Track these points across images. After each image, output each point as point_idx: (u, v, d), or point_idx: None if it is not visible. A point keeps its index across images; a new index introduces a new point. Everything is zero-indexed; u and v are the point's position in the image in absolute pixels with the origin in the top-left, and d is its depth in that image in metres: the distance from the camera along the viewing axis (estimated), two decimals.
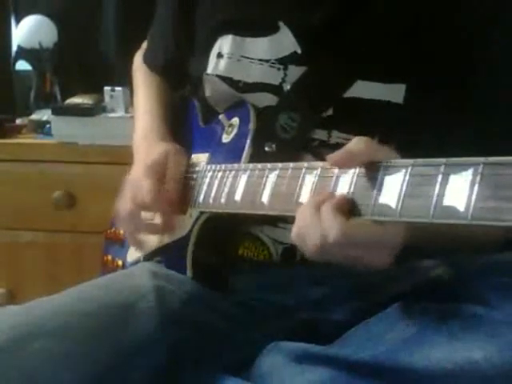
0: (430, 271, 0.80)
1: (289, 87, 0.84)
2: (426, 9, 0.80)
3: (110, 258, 1.09)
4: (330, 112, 0.83)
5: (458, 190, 0.51)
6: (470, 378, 0.59)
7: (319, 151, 0.80)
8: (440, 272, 0.80)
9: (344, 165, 0.63)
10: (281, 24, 0.84)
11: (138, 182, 0.89)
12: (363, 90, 0.80)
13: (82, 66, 1.88)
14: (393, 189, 0.58)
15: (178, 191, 0.89)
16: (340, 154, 0.63)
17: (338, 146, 0.79)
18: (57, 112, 1.61)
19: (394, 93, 0.79)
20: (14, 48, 1.89)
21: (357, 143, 0.63)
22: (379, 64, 0.80)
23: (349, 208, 0.61)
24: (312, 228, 0.62)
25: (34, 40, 1.79)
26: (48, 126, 1.65)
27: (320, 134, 0.83)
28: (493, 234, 0.76)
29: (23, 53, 1.83)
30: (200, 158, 0.93)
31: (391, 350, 0.65)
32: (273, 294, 0.87)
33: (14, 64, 1.90)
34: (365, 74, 0.80)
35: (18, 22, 1.89)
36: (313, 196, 0.65)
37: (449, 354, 0.61)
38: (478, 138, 0.74)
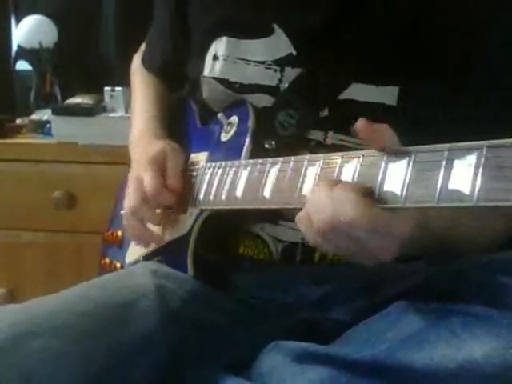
0: (430, 270, 0.80)
1: (286, 85, 0.84)
2: (423, 11, 0.80)
3: (107, 260, 1.09)
4: (325, 113, 0.83)
5: (463, 174, 0.52)
6: (470, 377, 0.59)
7: (315, 152, 0.80)
8: (440, 271, 0.80)
9: (368, 136, 0.62)
10: (275, 26, 0.85)
11: (138, 178, 0.89)
12: (358, 92, 0.81)
13: (82, 66, 1.88)
14: (397, 176, 0.58)
15: (180, 182, 0.89)
16: (371, 126, 0.62)
17: (333, 146, 0.80)
18: (57, 112, 1.61)
19: (387, 95, 0.80)
20: (14, 48, 1.89)
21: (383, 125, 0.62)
22: (373, 66, 0.81)
23: (363, 189, 0.60)
24: (322, 206, 0.61)
25: (34, 40, 1.79)
26: (48, 125, 1.65)
27: (316, 135, 0.84)
28: (494, 232, 0.76)
29: (23, 53, 1.83)
30: (199, 157, 0.93)
31: (391, 348, 0.65)
32: (273, 292, 0.87)
33: (14, 64, 1.90)
34: (359, 77, 0.81)
35: (18, 21, 1.89)
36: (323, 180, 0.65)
37: (449, 352, 0.61)
38: (474, 139, 0.75)
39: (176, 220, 0.91)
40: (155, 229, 0.93)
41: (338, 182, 0.63)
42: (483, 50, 0.79)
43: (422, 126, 0.76)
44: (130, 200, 0.90)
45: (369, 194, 0.60)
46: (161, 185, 0.88)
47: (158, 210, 0.91)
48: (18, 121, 1.81)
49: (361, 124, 0.62)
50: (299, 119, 0.84)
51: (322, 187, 0.63)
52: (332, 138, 0.82)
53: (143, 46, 1.16)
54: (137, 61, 1.17)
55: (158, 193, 0.87)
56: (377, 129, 0.62)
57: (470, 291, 0.68)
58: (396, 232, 0.60)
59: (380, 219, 0.59)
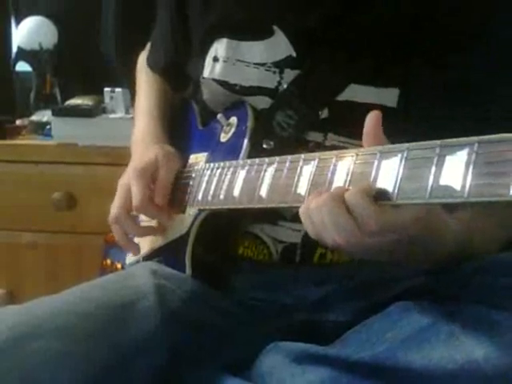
0: (430, 271, 0.80)
1: (285, 86, 0.84)
2: (423, 12, 0.80)
3: (109, 261, 1.09)
4: (325, 114, 0.83)
5: (454, 170, 0.52)
6: (469, 378, 0.59)
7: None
8: (440, 272, 0.79)
9: (369, 134, 0.63)
10: (275, 28, 0.85)
11: (127, 186, 0.90)
12: (357, 93, 0.81)
13: (82, 67, 1.88)
14: (390, 173, 0.58)
15: (167, 196, 0.90)
16: (378, 132, 0.63)
17: (333, 148, 0.80)
18: (57, 113, 1.61)
19: (387, 97, 0.80)
20: (14, 49, 1.89)
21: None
22: (373, 68, 0.81)
23: (375, 192, 0.59)
24: (338, 222, 0.60)
25: (34, 41, 1.79)
26: (48, 127, 1.65)
27: (315, 136, 0.84)
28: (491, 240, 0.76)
29: (23, 54, 1.84)
30: (199, 158, 0.93)
31: (391, 349, 0.65)
32: (273, 293, 0.87)
33: (14, 65, 1.90)
34: (359, 78, 0.81)
35: (18, 23, 1.90)
36: (323, 191, 0.64)
37: (448, 353, 0.61)
38: None
39: (165, 229, 0.92)
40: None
41: (344, 189, 0.62)
42: (484, 51, 0.79)
43: (422, 127, 0.76)
44: (114, 208, 0.91)
45: (384, 195, 0.59)
46: (146, 198, 0.88)
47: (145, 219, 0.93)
48: (18, 122, 1.81)
49: (373, 119, 0.63)
50: (298, 120, 0.84)
51: (329, 201, 0.61)
52: (332, 139, 0.82)
53: (149, 45, 1.16)
54: (143, 59, 1.17)
55: (143, 206, 0.88)
56: (379, 136, 0.63)
57: (472, 293, 0.68)
58: (410, 227, 0.61)
59: (392, 220, 0.59)
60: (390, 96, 0.80)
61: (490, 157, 0.49)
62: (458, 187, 0.51)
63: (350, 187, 0.61)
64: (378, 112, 0.64)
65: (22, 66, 1.88)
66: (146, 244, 0.95)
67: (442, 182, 0.53)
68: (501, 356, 0.59)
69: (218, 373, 0.76)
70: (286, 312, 0.86)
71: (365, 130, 0.64)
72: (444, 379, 0.60)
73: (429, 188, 0.54)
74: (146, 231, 0.93)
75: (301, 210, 0.65)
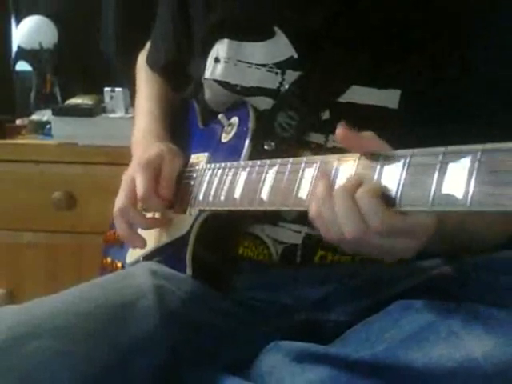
0: (430, 270, 0.80)
1: (287, 87, 0.84)
2: (422, 15, 0.80)
3: (109, 260, 1.08)
4: (326, 116, 0.83)
5: (457, 178, 0.52)
6: (469, 376, 0.59)
7: (316, 155, 0.80)
8: (440, 271, 0.80)
9: (348, 143, 0.63)
10: (276, 29, 0.85)
11: (131, 178, 0.90)
12: (358, 94, 0.81)
13: (82, 67, 1.88)
14: (392, 179, 0.58)
15: (172, 189, 0.90)
16: (351, 133, 0.63)
17: (334, 150, 0.80)
18: (57, 112, 1.61)
19: (389, 98, 0.80)
20: (15, 49, 1.89)
21: (367, 133, 0.63)
22: (374, 69, 0.81)
23: (384, 195, 0.59)
24: (346, 218, 0.61)
25: (34, 41, 1.79)
26: (48, 126, 1.65)
27: (317, 138, 0.84)
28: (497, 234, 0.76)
29: (23, 53, 1.84)
30: (200, 158, 0.93)
31: (391, 348, 0.65)
32: (273, 293, 0.87)
33: (14, 65, 1.90)
34: (359, 79, 0.81)
35: (18, 22, 1.90)
36: (329, 184, 0.64)
37: (448, 351, 0.61)
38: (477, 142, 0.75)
39: (170, 222, 0.91)
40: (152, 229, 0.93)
41: (354, 185, 0.62)
42: (484, 49, 0.79)
43: (424, 129, 0.76)
44: (119, 200, 0.91)
45: (391, 200, 0.59)
46: (152, 189, 0.88)
47: (149, 214, 0.92)
48: (18, 121, 1.81)
49: (340, 130, 0.63)
50: (299, 121, 0.84)
51: (341, 196, 0.61)
52: (333, 141, 0.82)
53: (148, 45, 1.16)
54: (142, 59, 1.17)
55: (148, 197, 0.88)
56: (358, 136, 0.62)
57: (472, 291, 0.68)
58: (419, 234, 0.61)
59: (405, 225, 0.59)
60: (391, 97, 0.80)
61: (493, 165, 0.49)
62: (460, 195, 0.51)
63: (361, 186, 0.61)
64: (342, 125, 0.63)
65: (22, 66, 1.88)
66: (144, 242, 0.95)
67: (445, 189, 0.53)
68: (500, 354, 0.59)
69: (218, 373, 0.76)
70: (287, 312, 0.86)
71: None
72: (443, 377, 0.60)
73: (431, 195, 0.53)
74: (152, 223, 0.92)
75: (313, 205, 0.65)
